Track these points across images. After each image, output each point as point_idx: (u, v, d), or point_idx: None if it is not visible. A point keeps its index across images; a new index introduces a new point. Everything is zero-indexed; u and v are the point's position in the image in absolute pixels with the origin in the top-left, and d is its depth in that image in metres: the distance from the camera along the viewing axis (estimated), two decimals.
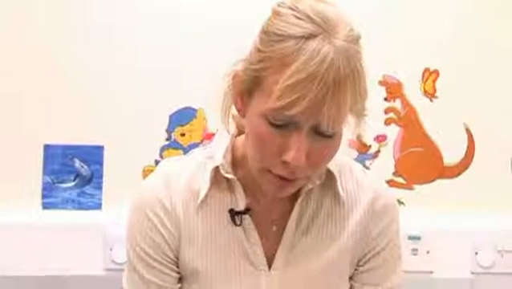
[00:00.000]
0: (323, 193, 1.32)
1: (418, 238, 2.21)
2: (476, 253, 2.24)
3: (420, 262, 2.21)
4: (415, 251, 2.20)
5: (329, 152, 1.17)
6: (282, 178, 1.17)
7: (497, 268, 2.24)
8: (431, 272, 2.23)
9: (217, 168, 1.29)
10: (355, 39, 1.14)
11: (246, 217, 1.29)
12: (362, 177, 1.36)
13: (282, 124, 1.13)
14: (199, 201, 1.29)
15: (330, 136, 1.14)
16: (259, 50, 1.15)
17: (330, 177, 1.31)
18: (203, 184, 1.29)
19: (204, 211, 1.30)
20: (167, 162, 1.37)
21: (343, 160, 1.35)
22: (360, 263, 1.36)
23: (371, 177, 1.38)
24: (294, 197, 1.29)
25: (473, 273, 2.25)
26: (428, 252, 2.21)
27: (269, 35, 1.14)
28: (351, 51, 1.12)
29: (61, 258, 2.12)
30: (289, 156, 1.13)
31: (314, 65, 1.08)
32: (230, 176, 1.28)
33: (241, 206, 1.29)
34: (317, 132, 1.13)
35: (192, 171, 1.32)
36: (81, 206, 2.19)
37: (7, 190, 2.14)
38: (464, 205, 2.28)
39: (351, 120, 1.17)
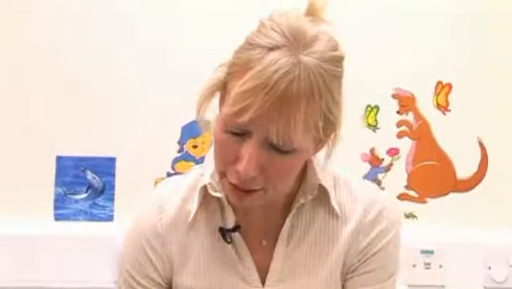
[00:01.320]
0: (315, 207, 1.30)
1: (431, 252, 2.20)
2: (489, 267, 2.22)
3: (433, 277, 2.20)
4: (427, 265, 2.19)
5: (286, 168, 1.16)
6: (236, 187, 1.17)
7: (510, 283, 2.22)
8: (443, 286, 2.22)
9: (205, 187, 1.29)
10: (331, 59, 1.13)
11: (236, 234, 1.28)
12: (358, 190, 1.33)
13: (239, 133, 1.13)
14: (189, 221, 1.29)
15: (287, 152, 1.13)
16: (232, 57, 1.17)
17: (323, 191, 1.30)
18: (193, 204, 1.30)
19: (195, 231, 1.30)
20: (162, 185, 1.37)
21: (339, 174, 1.33)
22: (349, 271, 1.33)
23: (369, 188, 1.35)
24: (286, 212, 1.29)
25: (485, 287, 2.23)
26: (440, 266, 2.20)
27: (244, 43, 1.16)
28: (319, 69, 1.11)
29: (72, 270, 2.12)
30: (239, 165, 1.13)
31: (268, 74, 1.08)
32: (218, 194, 1.28)
33: (230, 224, 1.28)
34: (272, 145, 1.12)
35: (185, 191, 1.32)
36: (93, 218, 2.19)
37: (19, 201, 2.15)
38: (477, 219, 2.26)
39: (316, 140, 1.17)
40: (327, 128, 1.16)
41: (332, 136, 1.20)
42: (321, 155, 1.27)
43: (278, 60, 1.09)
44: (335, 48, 1.16)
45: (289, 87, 1.08)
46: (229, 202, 1.27)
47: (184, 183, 1.33)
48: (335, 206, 1.29)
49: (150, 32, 2.20)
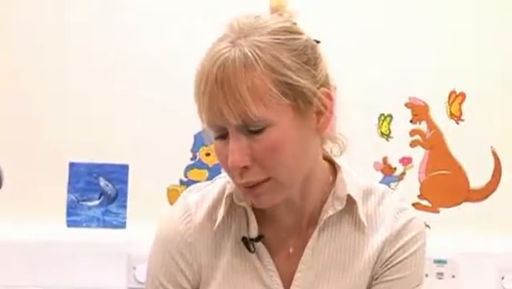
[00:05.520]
0: (343, 218, 1.29)
1: (444, 262, 2.19)
2: (502, 277, 2.21)
3: (446, 286, 2.19)
4: (440, 275, 2.18)
5: (270, 146, 1.15)
6: (245, 187, 1.18)
7: None
8: None
9: (231, 195, 1.28)
10: (271, 32, 1.15)
11: (260, 244, 1.28)
12: (387, 200, 1.32)
13: (223, 134, 1.16)
14: (215, 228, 1.29)
15: (262, 130, 1.14)
16: None
17: (351, 202, 1.29)
18: (220, 212, 1.29)
19: (221, 239, 1.29)
20: (189, 192, 1.35)
21: (367, 185, 1.33)
22: (373, 279, 1.32)
23: (398, 198, 1.34)
24: (314, 222, 1.28)
25: None
26: (453, 276, 2.19)
27: None
28: (255, 42, 1.12)
29: (85, 276, 2.12)
30: (229, 162, 1.15)
31: (205, 67, 1.14)
32: (243, 203, 1.27)
33: (254, 234, 1.28)
34: (247, 130, 1.14)
35: (213, 199, 1.31)
36: (105, 225, 2.19)
37: (32, 208, 2.15)
38: (490, 228, 2.26)
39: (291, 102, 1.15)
40: (291, 93, 1.15)
41: (325, 103, 1.18)
42: (349, 166, 1.29)
43: (215, 52, 1.13)
44: (278, 24, 1.17)
45: (224, 68, 1.11)
46: (254, 211, 1.27)
47: (213, 190, 1.32)
48: (363, 218, 1.28)
49: (163, 39, 2.21)
